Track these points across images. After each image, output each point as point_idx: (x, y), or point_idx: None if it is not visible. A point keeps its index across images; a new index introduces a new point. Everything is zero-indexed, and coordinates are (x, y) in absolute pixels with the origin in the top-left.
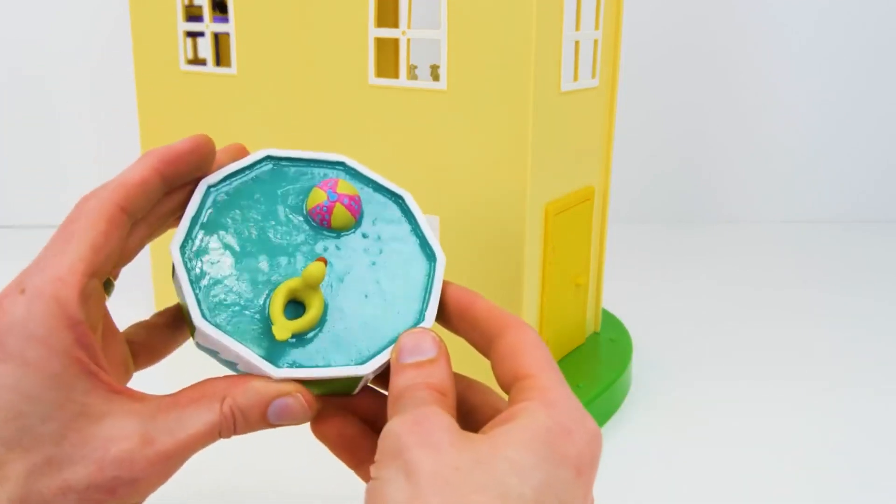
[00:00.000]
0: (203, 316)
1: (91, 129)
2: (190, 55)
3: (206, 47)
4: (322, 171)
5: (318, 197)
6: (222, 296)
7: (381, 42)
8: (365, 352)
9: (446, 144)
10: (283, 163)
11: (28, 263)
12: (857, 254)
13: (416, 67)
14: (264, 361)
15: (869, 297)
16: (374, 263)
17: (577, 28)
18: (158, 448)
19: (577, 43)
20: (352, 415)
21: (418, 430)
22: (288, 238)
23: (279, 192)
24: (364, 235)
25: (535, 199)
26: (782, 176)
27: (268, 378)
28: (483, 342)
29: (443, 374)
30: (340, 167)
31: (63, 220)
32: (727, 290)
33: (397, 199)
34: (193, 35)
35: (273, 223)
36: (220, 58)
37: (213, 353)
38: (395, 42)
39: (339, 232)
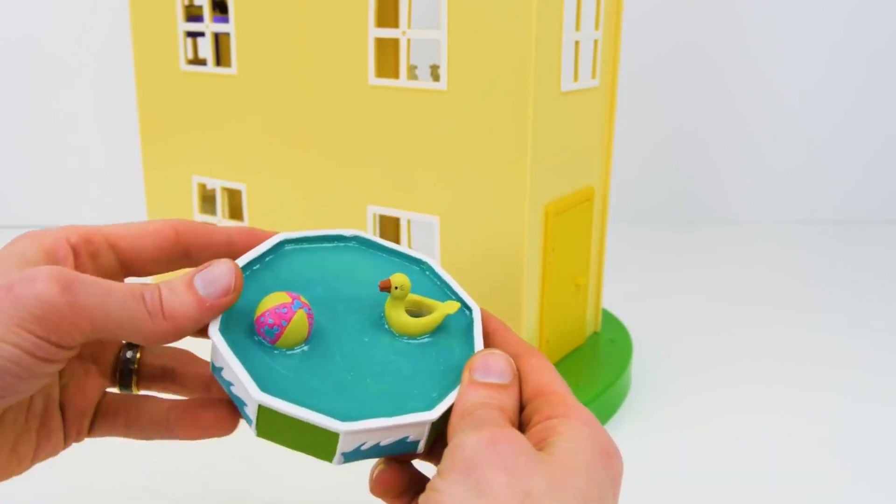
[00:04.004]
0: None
1: (91, 128)
2: (190, 55)
3: (206, 47)
4: (335, 245)
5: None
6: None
7: (381, 42)
8: (429, 396)
9: (446, 144)
10: (297, 244)
11: None
12: (857, 254)
13: (416, 67)
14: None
15: (869, 297)
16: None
17: (577, 28)
18: (70, 277)
19: (577, 43)
20: None
21: (494, 448)
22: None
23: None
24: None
25: (534, 199)
26: (782, 176)
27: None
28: None
29: (514, 402)
30: (354, 242)
31: (61, 221)
32: (727, 290)
33: (419, 263)
34: (193, 35)
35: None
36: (220, 58)
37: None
38: (395, 42)
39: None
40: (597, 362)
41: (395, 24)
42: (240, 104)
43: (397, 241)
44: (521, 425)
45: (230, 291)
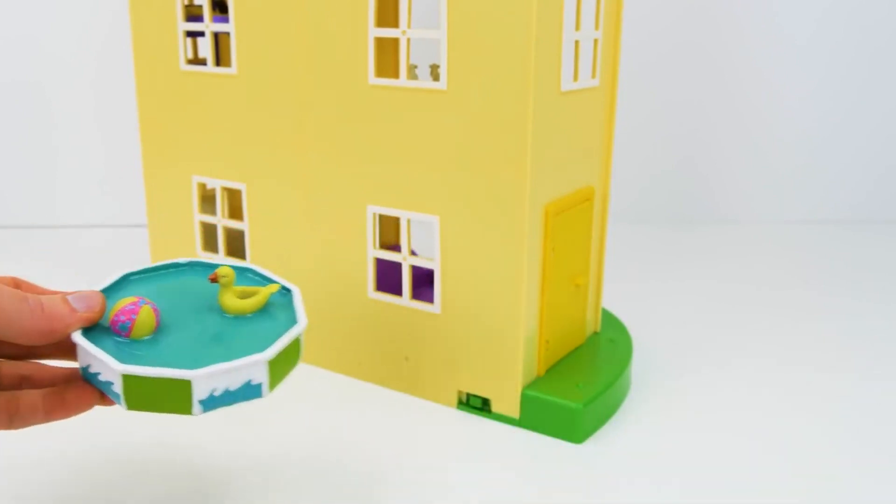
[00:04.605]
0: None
1: (91, 128)
2: (190, 55)
3: (206, 47)
4: (174, 271)
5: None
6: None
7: (381, 42)
8: (263, 345)
9: (446, 144)
10: (140, 275)
11: (28, 263)
12: (857, 254)
13: (416, 67)
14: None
15: (869, 297)
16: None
17: (577, 28)
18: None
19: (577, 43)
20: None
21: None
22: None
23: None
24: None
25: (535, 199)
26: (782, 176)
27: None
28: None
29: None
30: (188, 266)
31: (61, 221)
32: (727, 290)
33: (244, 269)
34: (193, 35)
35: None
36: (220, 58)
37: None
38: (395, 42)
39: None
40: (597, 362)
41: (395, 24)
42: (240, 104)
43: (397, 240)
44: None
45: (95, 309)
